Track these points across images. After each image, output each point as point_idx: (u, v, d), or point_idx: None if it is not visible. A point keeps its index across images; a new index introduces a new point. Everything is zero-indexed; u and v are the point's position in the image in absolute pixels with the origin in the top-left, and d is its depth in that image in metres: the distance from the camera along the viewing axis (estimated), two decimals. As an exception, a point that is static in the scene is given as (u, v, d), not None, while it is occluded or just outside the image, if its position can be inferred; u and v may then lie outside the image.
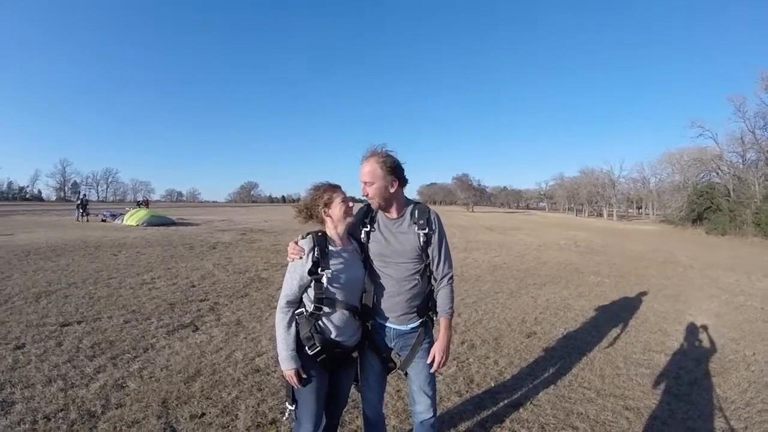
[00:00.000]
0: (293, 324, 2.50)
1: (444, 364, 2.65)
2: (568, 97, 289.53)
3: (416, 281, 2.66)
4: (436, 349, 2.62)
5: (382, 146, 2.66)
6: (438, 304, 2.73)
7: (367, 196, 2.63)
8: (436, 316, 2.78)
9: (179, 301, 7.38)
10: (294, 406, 2.54)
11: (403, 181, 2.70)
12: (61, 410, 3.69)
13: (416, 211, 2.70)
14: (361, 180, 2.62)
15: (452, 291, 2.74)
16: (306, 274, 2.44)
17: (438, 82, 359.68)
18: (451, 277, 2.75)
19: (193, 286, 8.60)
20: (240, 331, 5.95)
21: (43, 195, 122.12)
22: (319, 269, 2.44)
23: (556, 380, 4.76)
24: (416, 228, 2.65)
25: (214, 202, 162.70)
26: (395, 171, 2.63)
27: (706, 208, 40.80)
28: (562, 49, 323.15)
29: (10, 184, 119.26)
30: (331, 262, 2.49)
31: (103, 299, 7.31)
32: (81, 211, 28.16)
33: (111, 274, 9.50)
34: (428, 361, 2.64)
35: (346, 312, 2.52)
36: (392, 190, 2.64)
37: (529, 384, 4.65)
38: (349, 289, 2.55)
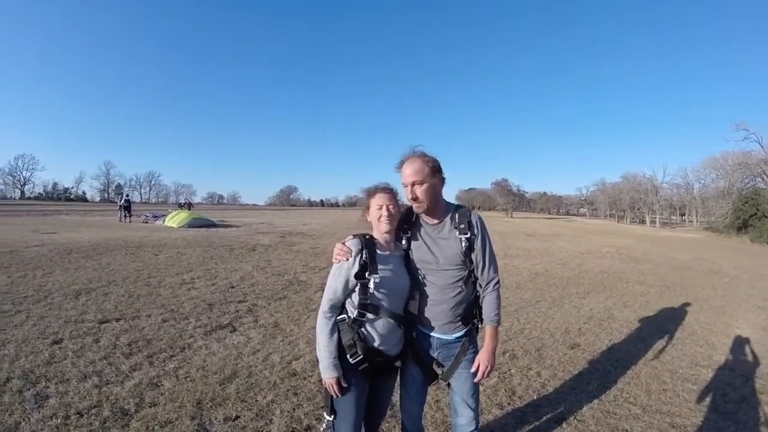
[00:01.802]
0: (336, 330, 2.40)
1: (489, 374, 2.54)
2: (610, 102, 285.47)
3: (460, 288, 2.54)
4: (481, 358, 2.51)
5: (418, 147, 2.57)
6: (484, 310, 2.61)
7: (414, 198, 2.49)
8: (482, 324, 2.67)
9: (218, 302, 7.41)
10: (333, 416, 2.44)
11: (443, 182, 2.61)
12: (95, 407, 3.71)
13: (457, 215, 2.58)
14: (407, 181, 2.48)
15: (499, 297, 2.62)
16: (353, 277, 2.36)
17: (479, 86, 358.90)
18: (497, 283, 2.62)
19: (232, 288, 8.63)
20: (277, 334, 5.93)
21: (87, 196, 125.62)
22: (367, 273, 2.35)
23: (601, 394, 4.60)
24: (457, 233, 2.53)
25: (254, 204, 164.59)
26: (440, 171, 2.55)
27: (751, 215, 39.60)
28: (603, 54, 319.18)
29: (55, 184, 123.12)
30: (379, 266, 2.39)
31: (143, 298, 7.40)
32: (124, 212, 28.71)
33: (151, 273, 9.63)
34: (472, 370, 2.53)
35: (390, 320, 2.42)
36: (439, 191, 2.56)
37: (573, 398, 4.49)
38: (395, 296, 2.45)
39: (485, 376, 2.52)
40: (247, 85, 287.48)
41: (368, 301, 2.37)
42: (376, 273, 2.37)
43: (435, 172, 2.52)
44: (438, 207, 2.60)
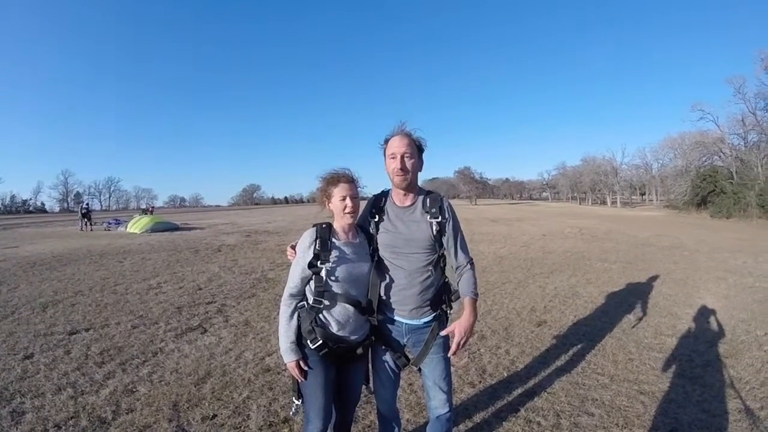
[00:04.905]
0: (295, 316, 2.46)
1: (464, 345, 2.47)
2: (568, 87, 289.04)
3: (429, 273, 2.56)
4: (457, 328, 2.42)
5: (405, 124, 2.61)
6: (461, 287, 2.61)
7: (403, 169, 2.50)
8: (450, 310, 2.70)
9: (186, 305, 7.38)
10: (300, 401, 2.51)
11: (422, 167, 2.67)
12: (72, 418, 3.68)
13: (428, 200, 2.61)
14: (398, 152, 2.50)
15: (475, 275, 2.64)
16: (306, 267, 2.41)
17: (436, 78, 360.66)
18: (471, 261, 2.66)
19: (200, 289, 8.60)
20: (249, 332, 5.94)
21: (47, 207, 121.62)
22: (319, 262, 2.40)
23: (569, 368, 4.74)
24: (428, 217, 2.56)
25: (217, 206, 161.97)
26: (422, 153, 2.63)
27: (709, 191, 40.68)
28: (560, 40, 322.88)
29: (13, 197, 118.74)
30: (332, 254, 2.43)
31: (110, 306, 7.31)
32: (85, 220, 28.13)
33: (117, 280, 9.51)
34: (446, 334, 2.52)
35: (348, 306, 2.45)
36: (419, 172, 2.62)
37: (542, 372, 4.62)
38: (352, 283, 2.48)
39: (460, 347, 2.43)
40: (201, 85, 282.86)
41: (323, 288, 2.42)
42: (328, 261, 2.41)
43: (420, 153, 2.61)
44: (413, 188, 2.63)
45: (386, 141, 2.61)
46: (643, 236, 18.88)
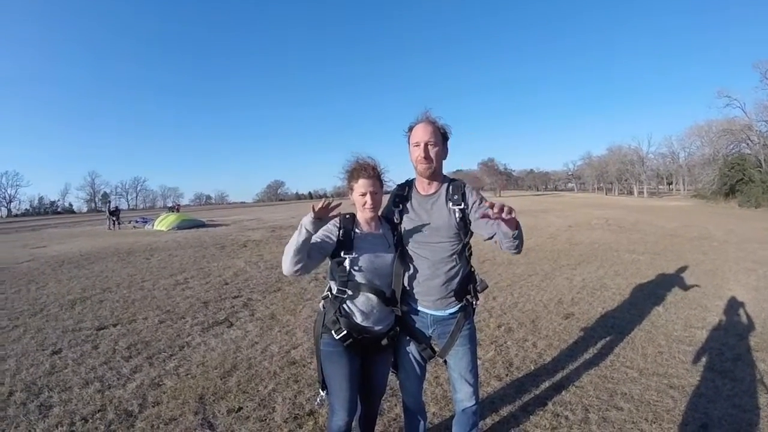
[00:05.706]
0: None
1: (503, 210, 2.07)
2: (592, 75, 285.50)
3: (454, 262, 2.52)
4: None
5: (430, 111, 2.58)
6: None
7: (426, 158, 2.48)
8: (476, 300, 2.67)
9: (213, 299, 7.44)
10: (325, 392, 2.50)
11: (446, 154, 2.64)
12: (99, 411, 3.72)
13: (451, 187, 2.56)
14: (421, 140, 2.49)
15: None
16: (330, 235, 2.42)
17: (461, 67, 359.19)
18: None
19: (226, 284, 8.67)
20: (274, 325, 5.97)
21: (74, 207, 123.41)
22: (342, 252, 2.40)
23: (597, 361, 4.66)
24: (451, 204, 2.51)
25: (242, 202, 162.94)
26: (447, 141, 2.60)
27: (738, 180, 39.84)
28: (585, 28, 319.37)
29: (41, 199, 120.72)
30: (356, 245, 2.43)
31: (138, 301, 7.40)
32: (113, 219, 28.49)
33: (144, 277, 9.63)
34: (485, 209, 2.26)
35: (372, 296, 2.44)
36: (444, 160, 2.60)
37: (570, 365, 4.55)
38: (375, 273, 2.47)
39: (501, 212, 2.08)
40: (227, 84, 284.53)
41: (347, 278, 2.41)
42: (351, 252, 2.41)
43: (444, 141, 2.58)
44: (438, 176, 2.60)
45: (410, 129, 2.58)
46: (671, 227, 18.54)
